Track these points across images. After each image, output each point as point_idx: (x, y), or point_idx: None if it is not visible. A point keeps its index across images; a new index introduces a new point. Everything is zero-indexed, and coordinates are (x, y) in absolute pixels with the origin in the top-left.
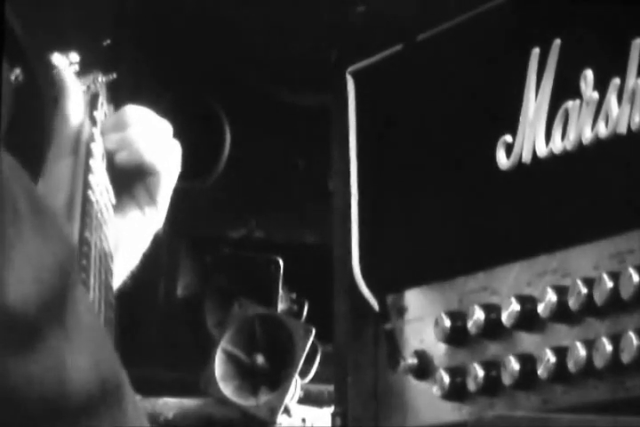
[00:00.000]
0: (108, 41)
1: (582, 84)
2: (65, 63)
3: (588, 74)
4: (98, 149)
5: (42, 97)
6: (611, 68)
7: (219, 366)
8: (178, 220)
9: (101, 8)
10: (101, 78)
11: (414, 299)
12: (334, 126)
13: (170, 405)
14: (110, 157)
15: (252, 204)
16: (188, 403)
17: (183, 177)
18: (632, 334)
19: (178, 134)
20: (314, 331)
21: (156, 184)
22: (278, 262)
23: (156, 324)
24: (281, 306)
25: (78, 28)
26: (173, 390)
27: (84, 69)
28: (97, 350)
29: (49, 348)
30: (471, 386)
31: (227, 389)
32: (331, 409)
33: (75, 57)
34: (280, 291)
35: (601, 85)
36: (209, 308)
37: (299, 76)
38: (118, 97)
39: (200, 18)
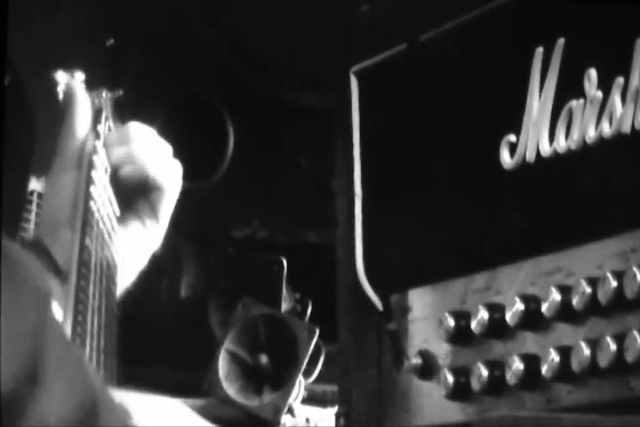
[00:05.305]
0: (112, 41)
1: (586, 84)
2: (69, 80)
3: (592, 73)
4: (100, 161)
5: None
6: (614, 67)
7: (222, 366)
8: (181, 220)
9: (103, 11)
10: (106, 94)
11: (418, 298)
12: (338, 126)
13: None
14: (114, 171)
15: (256, 203)
16: (192, 403)
17: (187, 177)
18: (636, 334)
19: (180, 135)
20: (317, 331)
21: (159, 199)
22: (282, 262)
23: (160, 324)
24: (284, 306)
25: (81, 37)
26: (176, 390)
27: (90, 85)
28: (70, 380)
29: (29, 411)
30: (475, 386)
31: (230, 389)
32: (334, 409)
33: (80, 75)
34: (284, 291)
35: (605, 85)
36: (212, 308)
37: (302, 75)
38: (123, 114)
39: (203, 18)
